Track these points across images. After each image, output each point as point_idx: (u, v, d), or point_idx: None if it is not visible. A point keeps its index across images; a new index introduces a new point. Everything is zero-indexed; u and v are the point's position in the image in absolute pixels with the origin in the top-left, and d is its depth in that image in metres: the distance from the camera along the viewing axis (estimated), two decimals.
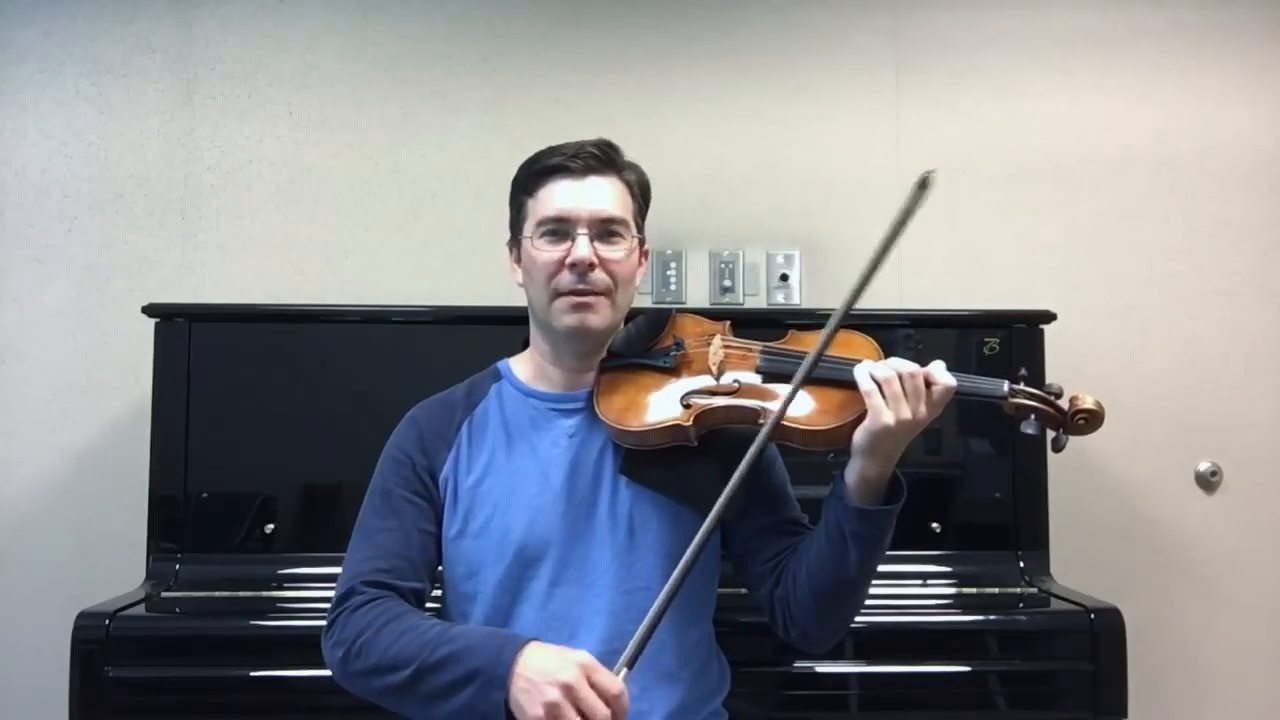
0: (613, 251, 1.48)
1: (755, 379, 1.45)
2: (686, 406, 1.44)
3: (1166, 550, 2.50)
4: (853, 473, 1.38)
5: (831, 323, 1.32)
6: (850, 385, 1.36)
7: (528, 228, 1.50)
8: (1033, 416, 1.39)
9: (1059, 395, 1.40)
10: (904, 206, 1.26)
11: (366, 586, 1.41)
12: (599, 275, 1.47)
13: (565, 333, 1.49)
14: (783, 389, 1.37)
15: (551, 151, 1.51)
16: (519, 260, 1.54)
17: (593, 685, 1.22)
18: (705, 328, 1.55)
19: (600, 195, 1.48)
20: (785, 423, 1.36)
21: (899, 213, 1.27)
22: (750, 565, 1.51)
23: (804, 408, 1.40)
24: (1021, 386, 1.39)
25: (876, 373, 1.34)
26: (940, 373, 1.36)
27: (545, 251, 1.47)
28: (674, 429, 1.43)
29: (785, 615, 1.47)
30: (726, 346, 1.49)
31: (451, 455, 1.51)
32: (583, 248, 1.45)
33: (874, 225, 2.72)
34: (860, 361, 1.37)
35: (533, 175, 1.51)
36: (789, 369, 1.40)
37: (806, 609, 1.44)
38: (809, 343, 1.46)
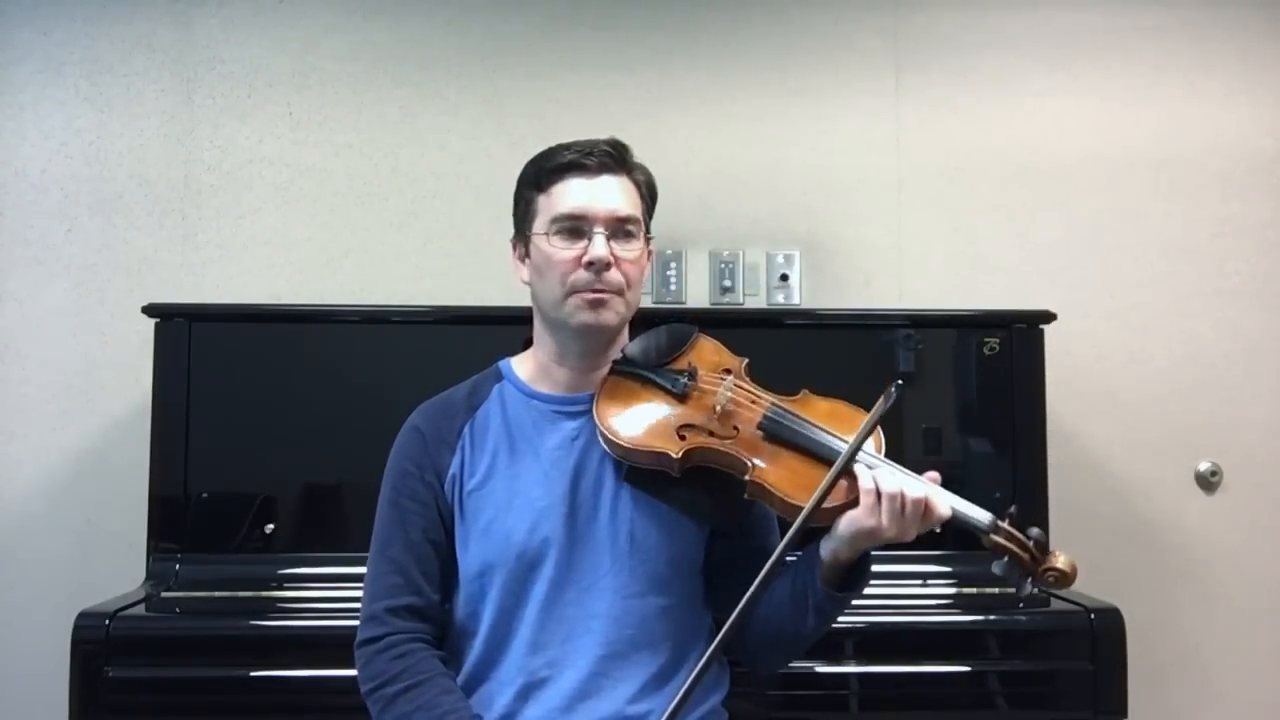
0: (627, 251, 1.48)
1: (756, 434, 1.43)
2: (681, 439, 1.43)
3: (1166, 550, 2.50)
4: (827, 551, 1.39)
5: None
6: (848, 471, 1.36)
7: (539, 224, 1.49)
8: (1006, 558, 1.36)
9: (1040, 544, 1.37)
10: (873, 414, 1.34)
11: (391, 616, 1.45)
12: (614, 275, 1.46)
13: (578, 330, 1.48)
14: (776, 450, 1.41)
15: (564, 148, 1.49)
16: (524, 257, 1.53)
17: None
18: (723, 359, 1.54)
19: (615, 194, 1.48)
20: (767, 486, 1.38)
21: (869, 419, 1.35)
22: (713, 590, 1.53)
23: (795, 479, 1.39)
24: (1005, 525, 1.36)
25: (883, 485, 1.33)
26: (938, 499, 1.36)
27: (561, 249, 1.46)
28: (661, 456, 1.42)
29: (735, 640, 1.46)
30: (738, 389, 1.48)
31: (456, 458, 1.51)
32: (600, 246, 1.45)
33: (874, 225, 2.72)
34: (872, 464, 1.37)
35: (546, 172, 1.49)
36: (792, 436, 1.42)
37: (756, 640, 1.47)
38: (820, 410, 1.46)
